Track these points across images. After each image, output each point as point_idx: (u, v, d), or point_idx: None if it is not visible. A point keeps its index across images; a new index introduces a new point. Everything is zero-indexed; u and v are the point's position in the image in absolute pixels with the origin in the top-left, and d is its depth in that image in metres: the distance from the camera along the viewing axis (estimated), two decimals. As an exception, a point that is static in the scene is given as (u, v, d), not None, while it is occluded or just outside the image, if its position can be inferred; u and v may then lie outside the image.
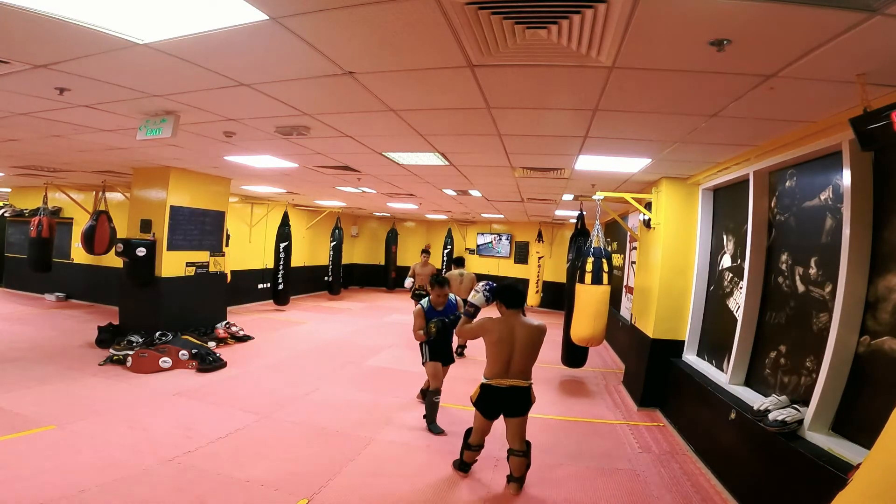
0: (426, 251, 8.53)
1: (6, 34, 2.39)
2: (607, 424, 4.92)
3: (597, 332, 5.35)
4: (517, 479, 3.42)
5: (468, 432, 3.59)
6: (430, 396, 4.45)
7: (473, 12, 1.93)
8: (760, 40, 1.99)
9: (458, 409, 5.01)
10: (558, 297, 11.71)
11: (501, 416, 3.42)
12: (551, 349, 7.97)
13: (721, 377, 4.20)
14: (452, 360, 4.78)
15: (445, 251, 14.78)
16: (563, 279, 8.12)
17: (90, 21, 2.21)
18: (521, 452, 3.37)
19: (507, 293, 3.41)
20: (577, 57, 2.29)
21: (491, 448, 4.14)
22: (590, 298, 5.31)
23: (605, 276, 5.33)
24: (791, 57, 2.13)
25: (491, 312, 3.48)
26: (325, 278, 13.16)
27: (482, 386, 3.41)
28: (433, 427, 4.39)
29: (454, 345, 5.90)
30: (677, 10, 1.81)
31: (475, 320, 3.53)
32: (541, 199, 8.31)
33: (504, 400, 3.34)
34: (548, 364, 7.30)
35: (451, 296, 4.57)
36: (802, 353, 3.25)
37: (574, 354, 6.30)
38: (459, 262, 7.85)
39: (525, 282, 13.46)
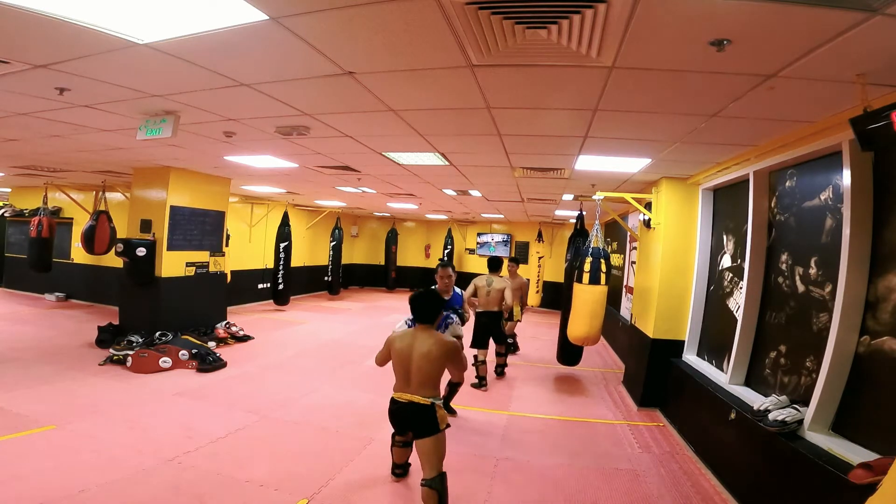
0: (515, 260, 7.07)
1: (6, 34, 2.39)
2: (607, 424, 4.92)
3: (593, 331, 5.36)
4: None
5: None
6: None
7: (473, 12, 1.94)
8: (760, 40, 1.99)
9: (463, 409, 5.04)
10: (558, 297, 11.73)
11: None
12: (548, 348, 8.02)
13: (721, 377, 4.20)
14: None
15: (445, 251, 14.80)
16: (562, 279, 8.04)
17: (90, 21, 2.21)
18: (428, 482, 2.84)
19: (413, 306, 3.09)
20: (577, 57, 2.29)
21: (491, 449, 4.16)
22: (587, 298, 5.31)
23: (603, 277, 5.33)
24: (791, 57, 2.13)
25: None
26: (325, 278, 13.16)
27: (391, 398, 3.11)
28: None
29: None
30: (677, 10, 1.81)
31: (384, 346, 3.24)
32: (541, 199, 8.31)
33: (405, 416, 3.00)
34: (547, 364, 7.31)
35: (456, 289, 4.50)
36: (802, 353, 3.25)
37: (569, 353, 6.42)
38: (495, 265, 6.13)
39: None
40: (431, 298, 3.11)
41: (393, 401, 3.07)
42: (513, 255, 14.56)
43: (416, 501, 3.24)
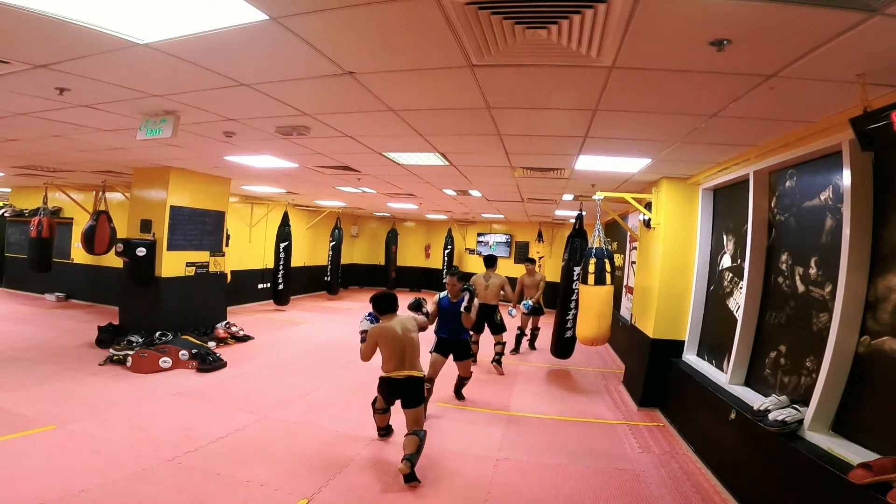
0: (531, 259, 8.24)
1: (6, 34, 2.39)
2: (607, 424, 4.92)
3: (601, 331, 5.38)
4: (408, 457, 3.44)
5: (374, 400, 4.08)
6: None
7: (473, 12, 1.94)
8: (760, 40, 1.99)
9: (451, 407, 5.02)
10: (552, 295, 11.72)
11: None
12: (548, 349, 8.01)
13: (721, 377, 4.20)
14: (468, 355, 5.09)
15: (446, 251, 14.80)
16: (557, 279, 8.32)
17: (90, 21, 2.21)
18: (415, 431, 3.55)
19: (376, 303, 3.79)
20: (577, 57, 2.29)
21: (490, 449, 4.16)
22: (594, 299, 5.32)
23: (608, 277, 5.34)
24: (791, 57, 2.13)
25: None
26: (325, 278, 13.15)
27: (380, 378, 3.79)
28: None
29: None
30: (677, 10, 1.81)
31: (366, 342, 3.75)
32: (541, 199, 8.31)
33: (402, 389, 3.66)
34: (547, 364, 7.31)
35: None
36: (802, 353, 3.25)
37: (561, 347, 6.62)
38: (490, 262, 7.17)
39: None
40: (389, 296, 3.84)
41: (389, 379, 3.67)
42: (513, 254, 14.74)
43: (415, 500, 3.24)
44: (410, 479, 3.41)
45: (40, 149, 5.66)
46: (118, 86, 3.17)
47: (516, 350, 8.00)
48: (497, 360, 6.71)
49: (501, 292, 6.90)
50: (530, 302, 7.77)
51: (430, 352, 4.88)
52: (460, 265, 15.31)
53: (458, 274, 5.02)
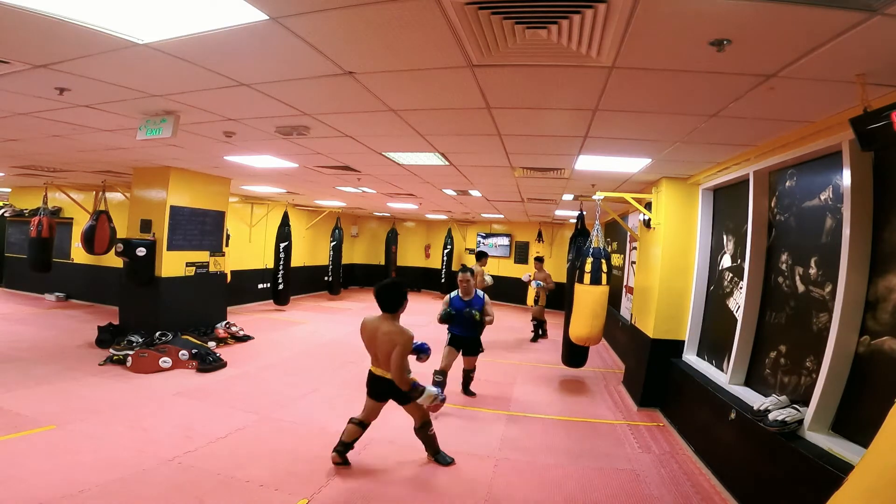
0: (540, 259, 9.54)
1: (6, 34, 2.39)
2: (607, 424, 4.92)
3: (594, 331, 5.35)
4: (427, 449, 3.85)
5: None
6: (434, 374, 5.09)
7: (473, 12, 1.94)
8: (760, 40, 1.99)
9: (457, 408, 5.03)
10: (558, 297, 11.72)
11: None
12: (547, 348, 8.02)
13: (721, 377, 4.20)
14: (476, 351, 5.39)
15: (445, 251, 14.81)
16: (562, 279, 8.49)
17: (90, 21, 2.21)
18: (416, 431, 3.82)
19: (377, 296, 3.56)
20: (577, 57, 2.29)
21: (490, 449, 4.16)
22: (588, 298, 5.31)
23: (604, 277, 5.33)
24: (791, 57, 2.13)
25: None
26: (325, 278, 13.15)
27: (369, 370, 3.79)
28: None
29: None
30: (677, 10, 1.81)
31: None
32: (541, 199, 8.31)
33: (379, 386, 3.67)
34: (548, 364, 7.31)
35: (479, 291, 5.35)
36: (802, 353, 3.25)
37: (574, 355, 6.21)
38: (479, 256, 9.15)
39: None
40: (387, 290, 3.54)
41: (369, 372, 3.71)
42: (513, 254, 14.80)
43: (415, 500, 3.24)
44: (442, 462, 3.81)
45: (40, 149, 5.66)
46: (118, 86, 3.17)
47: (535, 340, 9.13)
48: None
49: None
50: (541, 282, 8.99)
51: (445, 346, 5.24)
52: (459, 265, 15.38)
53: (470, 270, 5.37)
